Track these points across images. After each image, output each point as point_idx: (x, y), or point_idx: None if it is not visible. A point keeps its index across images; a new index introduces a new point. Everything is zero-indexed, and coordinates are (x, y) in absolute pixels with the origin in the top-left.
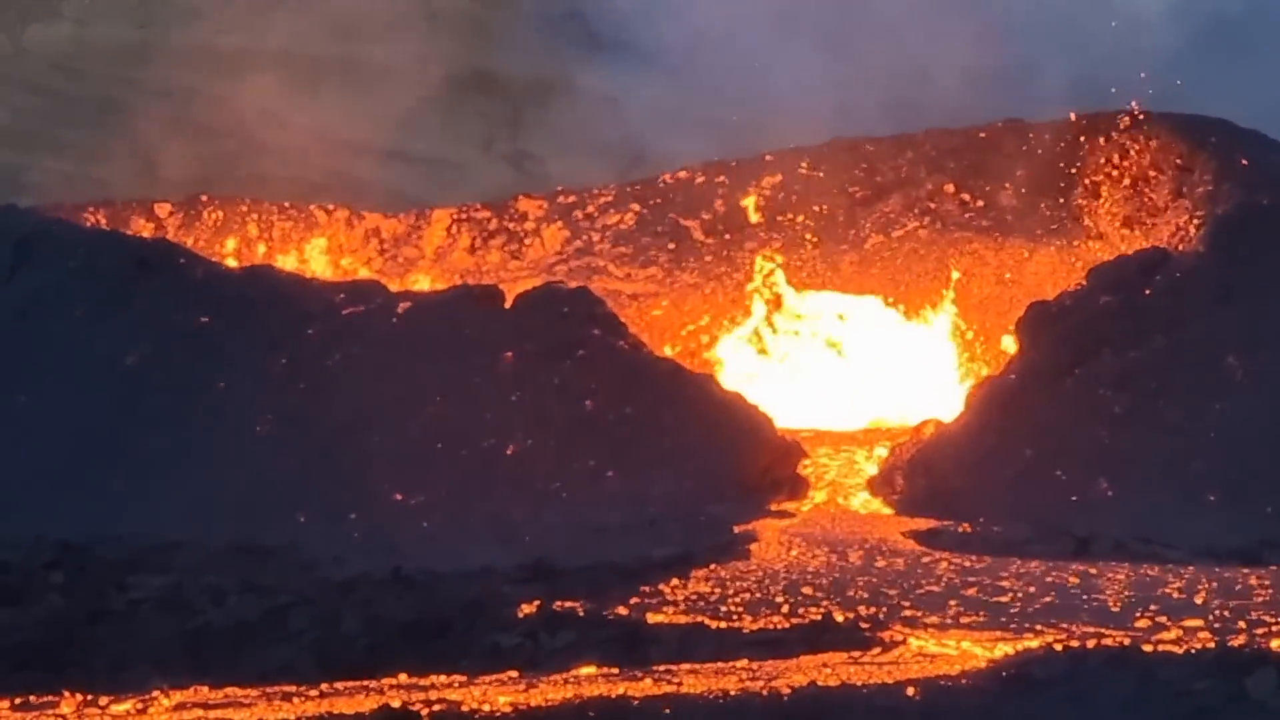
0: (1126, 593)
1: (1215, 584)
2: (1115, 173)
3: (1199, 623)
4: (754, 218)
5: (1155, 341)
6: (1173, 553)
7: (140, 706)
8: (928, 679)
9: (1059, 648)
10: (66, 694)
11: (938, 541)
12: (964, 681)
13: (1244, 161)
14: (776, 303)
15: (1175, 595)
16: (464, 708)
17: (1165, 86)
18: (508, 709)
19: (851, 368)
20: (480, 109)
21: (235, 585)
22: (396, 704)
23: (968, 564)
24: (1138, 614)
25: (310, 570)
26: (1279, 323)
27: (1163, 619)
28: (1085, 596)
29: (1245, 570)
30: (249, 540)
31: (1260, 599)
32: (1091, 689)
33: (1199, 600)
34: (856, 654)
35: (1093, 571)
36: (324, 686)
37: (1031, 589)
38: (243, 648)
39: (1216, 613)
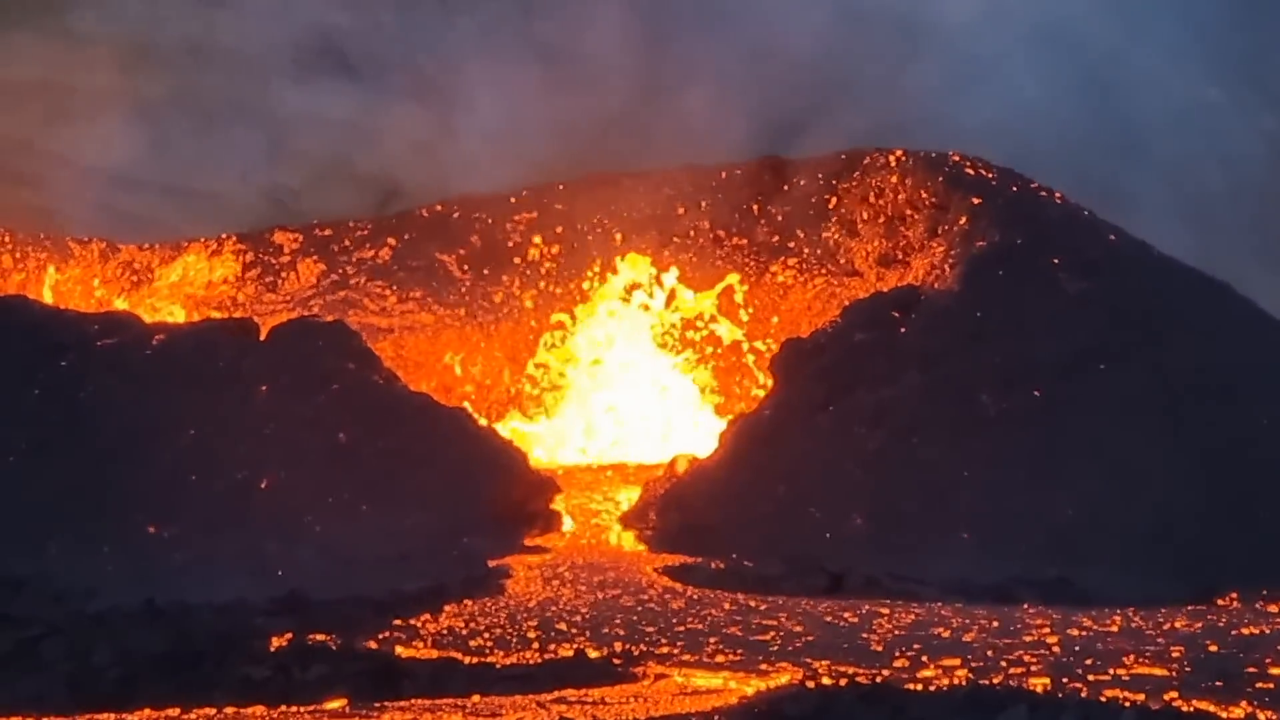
0: (892, 632)
1: (981, 624)
2: (872, 211)
3: (956, 661)
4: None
5: (910, 379)
6: (926, 589)
7: None
8: (679, 715)
9: (810, 685)
10: None
11: (692, 577)
12: (716, 718)
13: (998, 200)
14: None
15: (940, 634)
16: None
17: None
18: None
19: (607, 403)
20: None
21: None
22: None
23: (726, 600)
24: (898, 652)
25: (62, 601)
26: (1031, 360)
27: (923, 658)
28: (847, 634)
29: (1026, 608)
30: (0, 571)
31: (1028, 639)
32: None
33: (963, 639)
34: (609, 690)
35: (859, 610)
36: (76, 719)
37: (796, 627)
38: None
39: (977, 651)
